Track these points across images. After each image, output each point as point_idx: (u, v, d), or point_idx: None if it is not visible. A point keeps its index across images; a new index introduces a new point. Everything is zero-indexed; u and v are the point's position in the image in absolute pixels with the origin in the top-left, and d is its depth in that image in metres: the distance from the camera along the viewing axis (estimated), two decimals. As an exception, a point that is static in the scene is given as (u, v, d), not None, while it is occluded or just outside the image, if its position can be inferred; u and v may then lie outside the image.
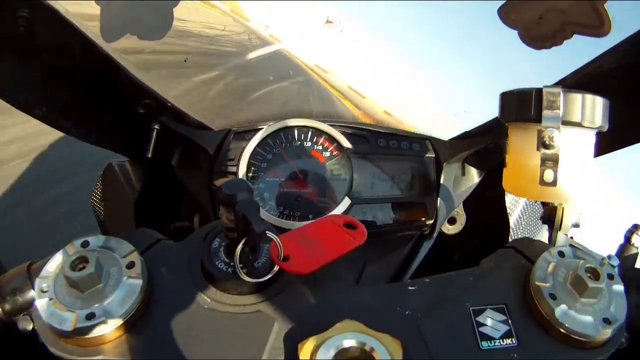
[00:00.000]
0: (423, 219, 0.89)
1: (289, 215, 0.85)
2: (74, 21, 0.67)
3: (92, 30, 0.68)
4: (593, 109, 0.51)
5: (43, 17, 0.63)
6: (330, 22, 1.00)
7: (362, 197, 0.88)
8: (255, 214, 0.46)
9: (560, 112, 0.49)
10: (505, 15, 0.66)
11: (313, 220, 0.52)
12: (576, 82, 0.68)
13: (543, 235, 0.99)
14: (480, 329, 0.46)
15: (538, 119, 0.50)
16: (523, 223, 1.01)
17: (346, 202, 0.86)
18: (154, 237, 0.52)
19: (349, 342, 0.41)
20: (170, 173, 0.93)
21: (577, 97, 0.50)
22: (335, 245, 0.50)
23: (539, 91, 0.51)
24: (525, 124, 0.53)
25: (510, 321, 0.47)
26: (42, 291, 0.42)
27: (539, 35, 0.66)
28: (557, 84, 0.61)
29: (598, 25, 0.62)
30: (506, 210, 0.96)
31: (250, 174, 0.87)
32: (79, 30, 0.67)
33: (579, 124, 0.51)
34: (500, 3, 0.65)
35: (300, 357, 0.40)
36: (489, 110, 0.84)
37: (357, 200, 0.87)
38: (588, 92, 0.51)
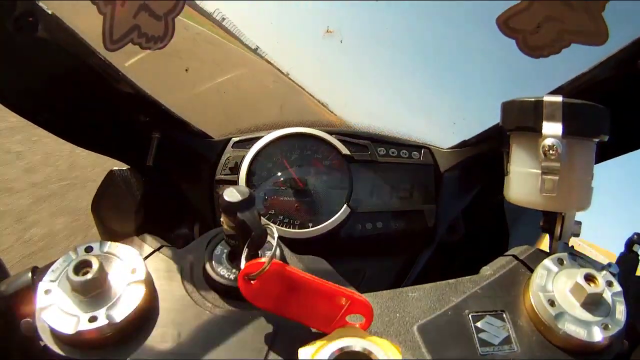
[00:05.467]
0: (423, 227, 0.89)
1: (288, 223, 0.86)
2: (76, 29, 0.67)
3: (93, 38, 0.69)
4: (594, 119, 0.51)
5: (46, 25, 0.63)
6: (330, 31, 1.01)
7: (361, 206, 0.88)
8: (256, 221, 0.47)
9: (561, 122, 0.50)
10: (503, 24, 0.66)
11: (324, 281, 0.45)
12: (574, 90, 0.68)
13: (543, 243, 0.99)
14: (480, 335, 0.47)
15: (539, 129, 0.50)
16: (523, 230, 1.01)
17: (345, 211, 0.86)
18: (157, 243, 0.52)
19: (349, 348, 0.41)
20: (171, 181, 0.94)
21: (577, 107, 0.50)
22: (311, 315, 0.45)
23: (539, 101, 0.51)
24: (526, 134, 0.53)
25: (509, 327, 0.47)
26: (46, 294, 0.42)
27: (537, 44, 0.67)
28: (554, 92, 0.62)
29: (595, 34, 0.63)
30: (506, 218, 0.96)
31: (250, 182, 0.88)
32: (81, 39, 0.68)
33: (579, 134, 0.51)
34: (499, 10, 0.66)
35: None
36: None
37: (356, 208, 0.87)
38: (588, 101, 0.51)
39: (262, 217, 0.80)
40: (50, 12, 0.63)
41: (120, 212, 0.97)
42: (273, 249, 0.46)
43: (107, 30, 0.64)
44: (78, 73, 0.72)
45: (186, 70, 1.13)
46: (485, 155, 0.88)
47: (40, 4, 0.63)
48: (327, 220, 0.86)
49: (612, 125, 0.52)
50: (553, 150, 0.49)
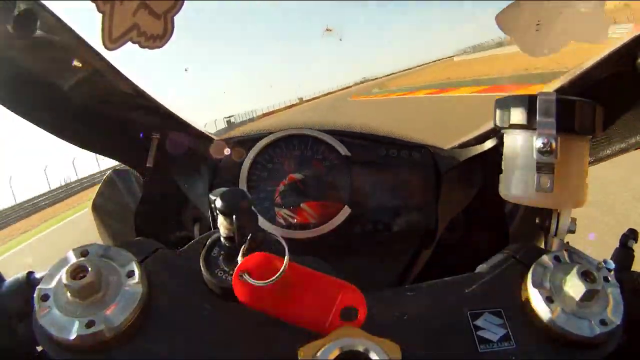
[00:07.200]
0: (422, 226, 0.89)
1: (288, 225, 0.86)
2: (76, 29, 0.67)
3: (93, 38, 0.69)
4: (587, 115, 0.51)
5: (44, 24, 0.64)
6: (330, 30, 1.01)
7: (361, 206, 0.88)
8: (253, 223, 0.47)
9: (555, 118, 0.50)
10: (504, 22, 0.66)
11: (324, 274, 0.46)
12: (571, 90, 0.68)
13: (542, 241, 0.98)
14: (478, 332, 0.47)
15: (533, 126, 0.50)
16: (523, 228, 1.01)
17: (346, 211, 0.86)
18: (153, 246, 0.52)
19: (349, 347, 0.41)
20: (171, 182, 0.94)
21: (571, 104, 0.50)
22: (305, 313, 0.45)
23: (533, 98, 0.51)
24: (520, 131, 0.53)
25: (507, 325, 0.47)
26: (42, 299, 0.42)
27: (537, 42, 0.67)
28: (555, 92, 0.62)
29: (594, 32, 0.63)
30: (505, 217, 0.96)
31: (251, 183, 0.88)
32: (81, 39, 0.68)
33: (573, 131, 0.51)
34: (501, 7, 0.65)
35: None
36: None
37: (356, 209, 0.87)
38: (582, 98, 0.51)
39: (265, 222, 0.80)
40: (49, 10, 0.63)
41: (120, 213, 0.97)
42: (286, 257, 0.44)
43: (106, 29, 0.64)
44: (77, 73, 0.72)
45: (185, 70, 1.12)
46: (485, 155, 0.88)
47: (40, 2, 0.63)
48: (327, 221, 0.86)
49: (608, 126, 0.53)
50: (547, 147, 0.49)
